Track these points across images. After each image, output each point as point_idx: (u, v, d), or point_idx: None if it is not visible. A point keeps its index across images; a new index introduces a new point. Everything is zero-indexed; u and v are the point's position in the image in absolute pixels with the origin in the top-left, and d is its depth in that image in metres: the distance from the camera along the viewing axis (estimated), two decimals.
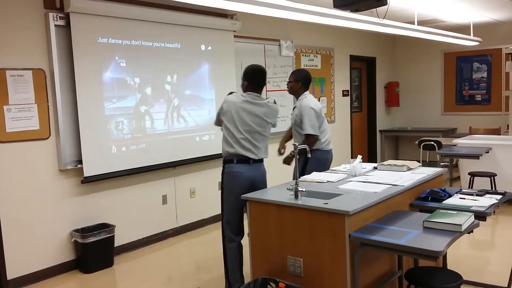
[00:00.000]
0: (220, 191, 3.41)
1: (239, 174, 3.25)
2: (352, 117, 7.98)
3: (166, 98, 4.86)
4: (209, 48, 5.29)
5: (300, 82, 4.13)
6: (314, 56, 7.02)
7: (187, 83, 5.07)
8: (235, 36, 5.56)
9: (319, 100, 7.06)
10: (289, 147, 3.81)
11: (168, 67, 4.87)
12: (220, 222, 3.42)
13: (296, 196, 2.76)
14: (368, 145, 8.66)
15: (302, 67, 6.73)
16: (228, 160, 3.29)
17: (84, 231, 4.16)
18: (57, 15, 3.96)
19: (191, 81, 5.12)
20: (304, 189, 2.80)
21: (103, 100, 4.29)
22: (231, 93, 3.43)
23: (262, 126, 3.33)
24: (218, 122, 3.42)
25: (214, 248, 4.50)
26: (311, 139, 3.96)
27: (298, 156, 2.92)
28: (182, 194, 5.18)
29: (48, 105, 3.99)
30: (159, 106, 4.79)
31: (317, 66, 7.09)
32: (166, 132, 4.86)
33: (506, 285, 3.34)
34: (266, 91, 6.12)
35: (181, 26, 4.94)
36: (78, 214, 4.24)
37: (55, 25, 3.96)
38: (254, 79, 3.33)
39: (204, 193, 5.36)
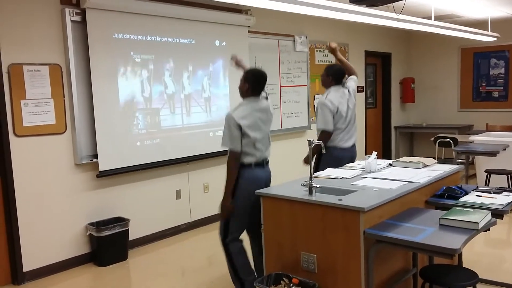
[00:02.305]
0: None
1: (258, 178, 3.19)
2: (366, 113, 7.92)
3: (180, 94, 4.88)
4: (224, 43, 5.29)
5: (330, 77, 4.14)
6: (329, 51, 6.95)
7: (201, 79, 5.08)
8: (249, 32, 5.54)
9: None
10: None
11: (183, 63, 4.88)
12: (219, 227, 3.32)
13: (310, 192, 2.75)
14: (382, 141, 8.58)
15: (316, 63, 6.70)
16: (246, 165, 3.18)
17: (99, 225, 4.21)
18: (73, 11, 4.00)
19: (206, 77, 5.13)
20: (318, 185, 2.79)
21: (118, 95, 4.32)
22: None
23: (268, 124, 3.34)
24: (236, 144, 3.09)
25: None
26: (322, 134, 3.96)
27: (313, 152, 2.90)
28: (195, 189, 5.21)
29: (64, 100, 4.03)
30: (174, 102, 4.81)
31: (331, 62, 7.04)
32: (180, 127, 4.88)
33: None
34: (280, 86, 6.10)
35: (195, 21, 4.95)
36: (93, 207, 4.29)
37: (71, 21, 4.00)
38: (258, 84, 3.26)
39: (217, 188, 5.30)
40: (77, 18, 4.03)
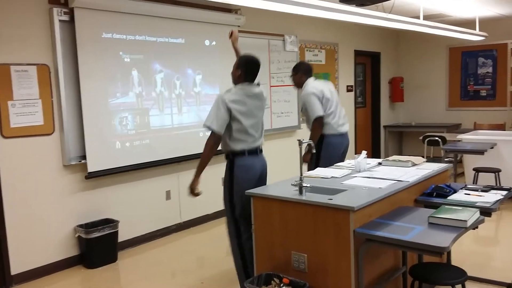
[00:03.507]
0: (224, 185, 3.33)
1: (252, 166, 3.22)
2: (356, 113, 7.95)
3: (170, 94, 4.85)
4: (214, 43, 5.28)
5: (300, 73, 4.19)
6: (319, 51, 6.98)
7: (191, 78, 5.06)
8: (239, 31, 5.52)
9: None
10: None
11: (173, 63, 4.86)
12: (226, 219, 3.36)
13: (301, 192, 2.75)
14: (372, 140, 8.63)
15: (304, 60, 6.71)
16: (238, 153, 3.20)
17: (88, 227, 4.17)
18: (61, 10, 3.96)
19: (195, 76, 5.11)
20: (308, 185, 2.80)
21: (107, 95, 4.29)
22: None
23: (261, 111, 3.34)
24: (221, 126, 3.10)
25: (218, 243, 4.50)
26: (316, 121, 3.98)
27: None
28: (185, 190, 5.14)
29: (52, 101, 3.99)
30: (163, 102, 4.79)
31: (321, 61, 7.06)
32: (170, 127, 4.86)
33: (510, 281, 3.33)
34: (270, 86, 6.11)
35: (185, 21, 4.93)
36: (82, 209, 4.25)
37: (60, 20, 3.96)
38: (251, 70, 3.25)
39: (208, 189, 5.32)
40: (65, 17, 3.99)
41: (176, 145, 4.90)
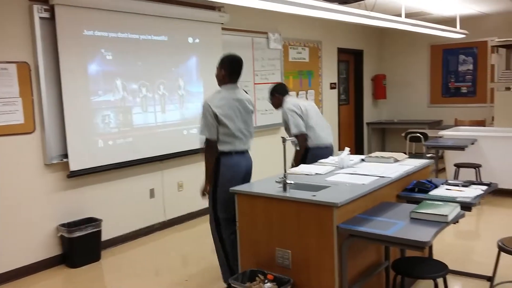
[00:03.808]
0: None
1: (238, 164, 3.28)
2: (339, 110, 8.01)
3: (153, 91, 4.82)
4: (197, 40, 5.26)
5: (276, 95, 4.34)
6: (302, 48, 7.01)
7: (174, 76, 5.04)
8: (223, 29, 5.52)
9: (306, 94, 7.07)
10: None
11: (155, 60, 4.82)
12: (209, 216, 3.39)
13: (285, 189, 2.77)
14: (355, 137, 8.70)
15: (290, 60, 6.73)
16: (225, 153, 3.26)
17: (71, 226, 4.12)
18: (41, 7, 3.89)
19: (179, 74, 5.08)
20: (292, 182, 2.81)
21: (89, 93, 4.24)
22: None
23: (249, 114, 3.40)
24: (213, 132, 3.18)
25: (202, 241, 4.50)
26: (298, 138, 4.06)
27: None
28: (170, 188, 5.16)
29: (32, 99, 3.93)
30: (146, 99, 4.76)
31: (305, 59, 7.09)
32: (153, 125, 4.83)
33: (490, 275, 3.39)
34: (254, 83, 6.11)
35: (168, 18, 4.89)
36: (64, 208, 4.20)
37: (40, 18, 3.90)
38: (234, 69, 3.33)
39: (192, 187, 5.34)
40: (45, 14, 3.93)
41: (160, 143, 4.87)
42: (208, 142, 3.23)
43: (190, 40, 5.19)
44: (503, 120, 6.53)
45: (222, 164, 3.25)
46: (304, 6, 3.91)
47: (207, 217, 3.47)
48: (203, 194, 3.37)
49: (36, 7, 3.86)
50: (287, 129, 4.23)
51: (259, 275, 2.67)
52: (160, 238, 4.85)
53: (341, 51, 7.92)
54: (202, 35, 5.28)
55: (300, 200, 2.59)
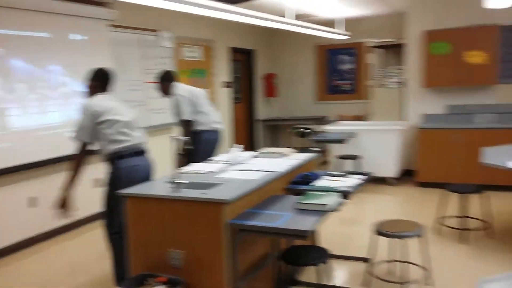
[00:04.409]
0: (107, 188, 3.28)
1: (137, 167, 3.25)
2: (233, 108, 8.18)
3: (33, 92, 4.50)
4: (83, 37, 5.01)
5: (164, 82, 4.36)
6: (195, 47, 7.03)
7: (56, 75, 4.75)
8: (111, 26, 5.33)
9: None
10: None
11: (36, 58, 4.51)
12: (105, 221, 3.30)
13: (176, 188, 2.79)
14: (249, 134, 8.96)
15: (182, 58, 6.71)
16: (122, 155, 3.21)
17: None
18: None
19: (62, 73, 4.80)
20: (184, 181, 2.84)
21: None
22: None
23: (130, 111, 3.46)
24: (83, 134, 3.21)
25: (90, 249, 4.32)
26: (185, 124, 4.14)
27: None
28: (53, 195, 4.83)
29: None
30: (25, 101, 4.42)
31: (198, 58, 7.13)
32: (34, 128, 4.51)
33: (369, 257, 3.75)
34: (146, 82, 6.00)
35: (50, 13, 4.60)
36: None
37: None
38: (107, 81, 3.41)
39: (78, 192, 5.08)
40: None
41: (41, 147, 4.55)
42: (76, 144, 3.24)
43: (75, 37, 4.93)
44: (378, 115, 7.20)
45: (119, 167, 3.21)
46: (195, 5, 3.94)
47: (95, 224, 3.36)
48: (58, 204, 3.26)
49: None
50: (177, 114, 4.30)
51: (149, 278, 2.65)
52: (44, 249, 4.52)
53: (233, 50, 8.09)
54: (89, 32, 5.05)
55: (191, 199, 2.63)
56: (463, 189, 4.28)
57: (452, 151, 5.99)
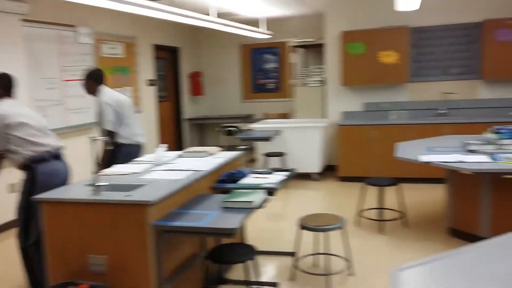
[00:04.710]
0: (22, 196, 3.10)
1: (55, 172, 3.12)
2: (158, 107, 8.01)
3: None
4: None
5: (91, 80, 4.14)
6: (116, 44, 6.79)
7: None
8: (24, 20, 4.99)
9: (123, 91, 6.88)
10: None
11: None
12: (19, 231, 3.11)
13: (96, 191, 2.68)
14: (176, 134, 8.83)
15: (102, 55, 6.45)
16: (38, 159, 3.07)
17: None
18: None
19: None
20: (105, 183, 2.74)
21: None
22: None
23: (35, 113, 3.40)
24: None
25: (6, 258, 4.03)
26: (109, 135, 3.97)
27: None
28: None
29: None
30: None
31: (119, 55, 6.88)
32: None
33: (293, 250, 3.85)
34: (63, 80, 5.69)
35: None
36: None
37: None
38: (9, 85, 3.25)
39: None
40: None
41: None
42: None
43: None
44: (302, 113, 7.42)
45: (39, 173, 3.07)
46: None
47: (9, 233, 3.14)
48: None
49: None
50: (99, 121, 4.08)
51: (70, 286, 2.53)
52: None
53: (157, 47, 7.91)
54: None
55: (112, 202, 2.54)
56: (380, 182, 4.54)
57: (369, 146, 6.33)
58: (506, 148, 3.97)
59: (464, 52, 6.38)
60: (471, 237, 3.86)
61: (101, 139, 3.16)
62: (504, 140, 4.03)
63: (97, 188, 2.68)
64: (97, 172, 2.86)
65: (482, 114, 6.25)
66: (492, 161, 3.67)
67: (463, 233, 4.07)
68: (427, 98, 6.59)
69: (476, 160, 3.69)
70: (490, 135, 4.17)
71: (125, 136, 4.13)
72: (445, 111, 6.47)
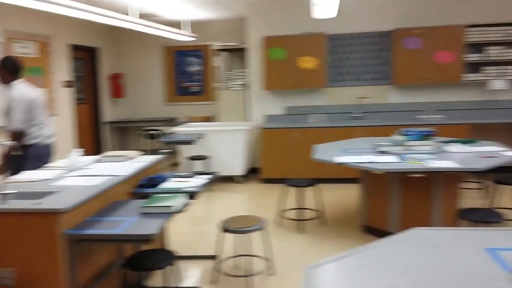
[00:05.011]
0: None
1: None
2: (76, 110, 7.65)
3: None
4: None
5: (5, 70, 3.82)
6: (29, 43, 6.39)
7: None
8: None
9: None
10: None
11: None
12: None
13: (3, 200, 2.51)
14: (94, 138, 8.48)
15: (16, 55, 6.04)
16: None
17: None
18: None
19: None
20: (13, 191, 2.58)
21: None
22: None
23: None
24: None
25: None
26: (17, 133, 3.71)
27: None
28: None
29: None
30: None
31: (32, 54, 6.49)
32: None
33: (214, 254, 3.86)
34: None
35: None
36: None
37: None
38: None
39: None
40: None
41: None
42: None
43: None
44: (225, 116, 7.47)
45: None
46: None
47: None
48: None
49: None
50: (7, 119, 3.79)
51: None
52: None
53: (74, 47, 7.56)
54: None
55: (19, 211, 2.40)
56: (299, 183, 4.70)
57: (290, 148, 6.52)
58: (413, 149, 4.29)
59: (376, 58, 6.79)
60: (382, 233, 4.10)
61: (8, 143, 2.94)
62: (411, 141, 4.35)
63: (3, 196, 2.51)
64: (3, 178, 2.67)
65: (392, 118, 6.69)
66: (400, 161, 3.94)
67: (376, 229, 4.33)
68: (343, 102, 6.92)
69: (386, 161, 3.95)
70: (398, 137, 4.48)
71: (35, 136, 3.89)
72: (359, 115, 6.84)
